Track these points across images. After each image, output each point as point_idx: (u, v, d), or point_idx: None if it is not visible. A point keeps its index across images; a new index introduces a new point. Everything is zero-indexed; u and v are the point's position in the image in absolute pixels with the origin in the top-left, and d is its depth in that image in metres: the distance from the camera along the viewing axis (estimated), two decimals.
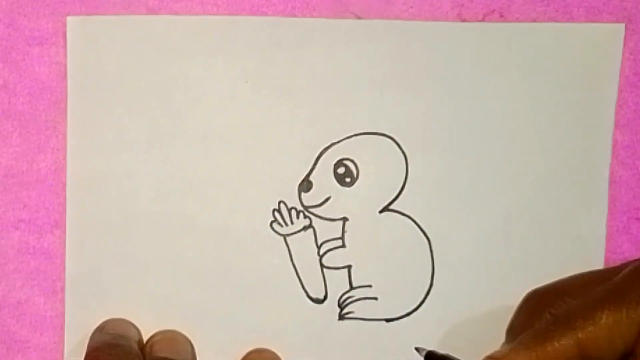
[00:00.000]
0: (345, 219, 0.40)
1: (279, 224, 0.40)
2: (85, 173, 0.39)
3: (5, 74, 0.39)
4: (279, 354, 0.40)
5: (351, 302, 0.40)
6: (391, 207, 0.40)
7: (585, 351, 0.32)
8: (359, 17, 0.39)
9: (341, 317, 0.40)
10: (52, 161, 0.39)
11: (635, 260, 0.34)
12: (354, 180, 0.40)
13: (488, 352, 0.33)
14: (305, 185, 0.40)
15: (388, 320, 0.40)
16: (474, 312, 0.40)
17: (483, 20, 0.39)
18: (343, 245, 0.40)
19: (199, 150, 0.39)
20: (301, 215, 0.40)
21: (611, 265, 0.39)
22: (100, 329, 0.38)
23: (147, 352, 0.38)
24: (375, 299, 0.40)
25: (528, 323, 0.35)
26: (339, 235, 0.40)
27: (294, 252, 0.40)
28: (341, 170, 0.40)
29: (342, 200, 0.40)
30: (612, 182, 0.40)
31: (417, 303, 0.40)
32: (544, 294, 0.36)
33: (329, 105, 0.39)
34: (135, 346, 0.37)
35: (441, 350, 0.39)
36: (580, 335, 0.32)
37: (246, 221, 0.39)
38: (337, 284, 0.40)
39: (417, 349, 0.37)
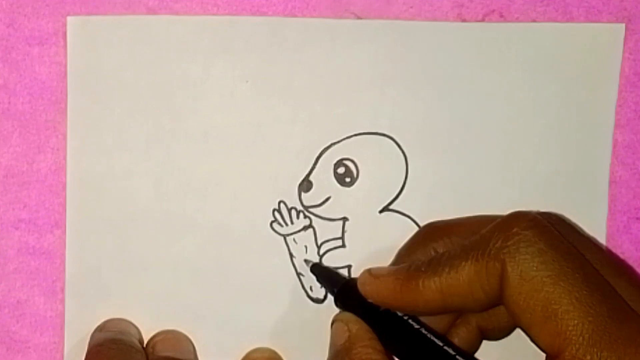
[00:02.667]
0: (345, 219, 0.40)
1: (279, 224, 0.40)
2: (85, 173, 0.39)
3: (5, 74, 0.39)
4: (279, 353, 0.40)
5: None
6: (391, 207, 0.40)
7: (447, 298, 0.33)
8: (359, 17, 0.39)
9: None
10: (52, 161, 0.39)
11: (505, 215, 0.34)
12: (354, 180, 0.40)
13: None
14: (305, 185, 0.40)
15: None
16: None
17: (483, 20, 0.39)
18: (343, 245, 0.40)
19: (199, 150, 0.39)
20: (301, 215, 0.40)
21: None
22: (100, 329, 0.38)
23: (149, 352, 0.38)
24: None
25: (412, 250, 0.37)
26: (339, 235, 0.40)
27: (294, 252, 0.40)
28: (341, 170, 0.40)
29: (342, 200, 0.40)
30: (612, 182, 0.40)
31: None
32: (435, 229, 0.37)
33: (329, 105, 0.39)
34: (137, 342, 0.37)
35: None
36: (442, 282, 0.32)
37: (246, 221, 0.39)
38: None
39: (305, 261, 0.39)
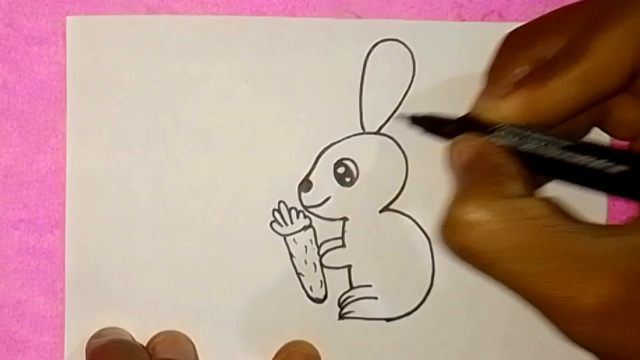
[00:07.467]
0: (345, 219, 0.40)
1: (279, 224, 0.40)
2: (85, 173, 0.39)
3: (5, 74, 0.39)
4: None
5: (351, 302, 0.40)
6: (391, 207, 0.40)
7: (590, 83, 0.29)
8: (359, 17, 0.39)
9: (341, 316, 0.40)
10: (51, 161, 0.39)
11: None
12: (354, 180, 0.40)
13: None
14: (305, 185, 0.40)
15: (388, 320, 0.40)
16: (474, 312, 0.40)
17: (482, 20, 0.39)
18: (343, 245, 0.40)
19: (199, 150, 0.39)
20: (301, 215, 0.40)
21: None
22: (96, 336, 0.38)
23: (149, 353, 0.38)
24: (375, 298, 0.40)
25: (508, 65, 0.31)
26: (339, 235, 0.40)
27: (294, 252, 0.40)
28: (341, 170, 0.40)
29: (342, 200, 0.40)
30: None
31: (417, 303, 0.40)
32: (523, 33, 0.32)
33: (329, 105, 0.39)
34: (138, 344, 0.37)
35: (441, 351, 0.40)
36: (583, 67, 0.29)
37: (246, 221, 0.39)
38: (337, 283, 0.40)
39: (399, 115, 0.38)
